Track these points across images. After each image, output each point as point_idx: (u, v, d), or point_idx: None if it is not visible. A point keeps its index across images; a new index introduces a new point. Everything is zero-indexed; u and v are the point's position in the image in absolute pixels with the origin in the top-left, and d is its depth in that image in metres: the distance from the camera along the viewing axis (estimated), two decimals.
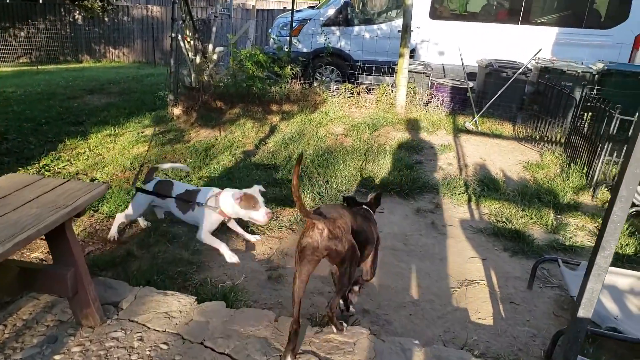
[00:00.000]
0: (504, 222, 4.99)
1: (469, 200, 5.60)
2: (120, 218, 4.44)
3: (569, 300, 3.73)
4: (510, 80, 8.40)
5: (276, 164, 6.47)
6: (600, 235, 2.03)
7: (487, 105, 8.46)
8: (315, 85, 9.68)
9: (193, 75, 9.25)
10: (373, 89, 9.42)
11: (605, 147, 5.62)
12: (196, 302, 3.23)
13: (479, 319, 3.54)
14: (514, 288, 3.97)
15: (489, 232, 4.86)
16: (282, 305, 3.58)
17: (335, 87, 10.11)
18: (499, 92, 8.37)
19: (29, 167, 6.05)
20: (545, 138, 7.70)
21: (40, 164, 6.19)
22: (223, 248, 4.14)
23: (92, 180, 5.79)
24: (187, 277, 3.88)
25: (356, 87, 9.32)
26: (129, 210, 4.40)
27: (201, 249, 4.34)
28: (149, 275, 3.82)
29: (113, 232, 4.40)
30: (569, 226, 5.03)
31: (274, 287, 3.81)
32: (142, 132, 7.94)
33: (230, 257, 4.09)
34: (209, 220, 4.23)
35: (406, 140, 7.52)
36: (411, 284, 3.94)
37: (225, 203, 4.18)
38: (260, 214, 4.12)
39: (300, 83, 9.43)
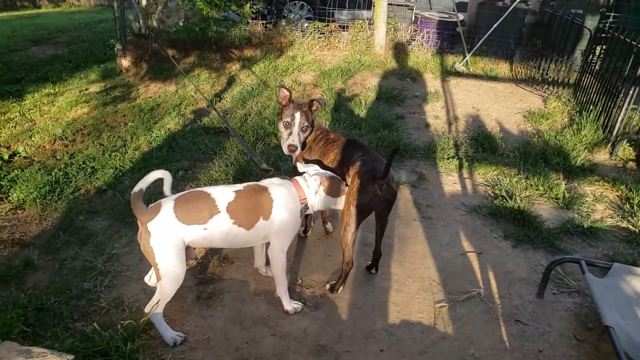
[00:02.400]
0: (504, 197, 3.96)
1: (460, 167, 4.54)
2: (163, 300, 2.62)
3: (595, 315, 2.78)
4: (508, 10, 7.11)
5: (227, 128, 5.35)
6: None
7: (481, 42, 7.23)
8: (284, 24, 8.32)
9: (141, 21, 7.92)
10: (348, 26, 8.08)
11: (631, 92, 4.50)
12: None
13: (473, 354, 2.59)
14: (520, 297, 2.99)
15: (485, 211, 3.85)
16: (208, 343, 2.61)
17: (306, 25, 8.77)
18: (494, 25, 7.11)
19: None
20: (549, 79, 6.54)
21: None
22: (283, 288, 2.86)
23: (14, 154, 4.79)
24: (94, 298, 2.92)
25: (328, 25, 7.97)
26: (169, 274, 2.55)
27: (120, 252, 3.35)
28: (44, 297, 2.88)
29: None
30: (584, 198, 4.01)
31: (201, 314, 2.83)
32: (86, 90, 6.78)
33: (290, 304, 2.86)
34: (293, 225, 2.80)
35: (386, 88, 6.35)
36: (384, 299, 2.96)
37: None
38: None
39: (263, 23, 8.09)
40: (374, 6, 7.54)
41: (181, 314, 2.82)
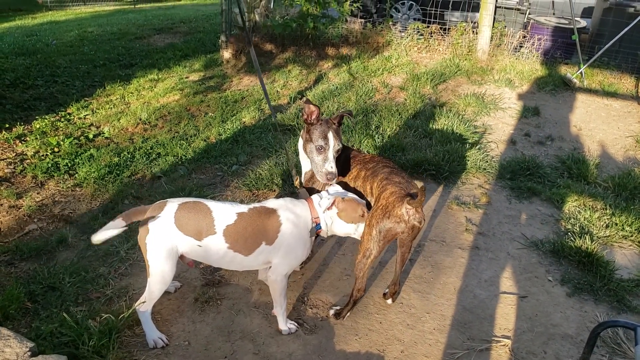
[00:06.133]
0: (575, 233, 3.35)
1: (535, 192, 3.95)
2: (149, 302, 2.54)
3: None
4: (639, 17, 6.14)
5: (298, 125, 5.22)
6: None
7: (601, 52, 6.30)
8: (390, 24, 7.96)
9: (240, 13, 8.13)
10: (450, 28, 7.52)
11: None
12: (28, 355, 2.22)
13: None
14: (557, 358, 2.47)
15: (547, 247, 3.29)
16: (186, 350, 2.48)
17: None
18: (620, 34, 6.17)
19: (53, 115, 5.53)
20: None
21: (66, 111, 5.69)
22: (282, 309, 2.63)
23: (99, 134, 5.11)
24: (103, 284, 2.95)
25: (428, 26, 7.48)
26: (156, 274, 2.46)
27: None
28: (61, 276, 2.98)
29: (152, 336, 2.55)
30: None
31: (193, 317, 2.71)
32: (186, 78, 7.11)
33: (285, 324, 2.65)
34: (300, 252, 2.59)
35: (478, 97, 5.79)
36: (389, 334, 2.62)
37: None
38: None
39: (361, 22, 7.84)
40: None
41: (174, 314, 2.74)
